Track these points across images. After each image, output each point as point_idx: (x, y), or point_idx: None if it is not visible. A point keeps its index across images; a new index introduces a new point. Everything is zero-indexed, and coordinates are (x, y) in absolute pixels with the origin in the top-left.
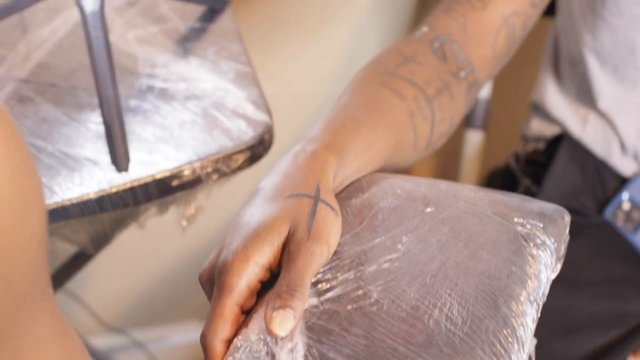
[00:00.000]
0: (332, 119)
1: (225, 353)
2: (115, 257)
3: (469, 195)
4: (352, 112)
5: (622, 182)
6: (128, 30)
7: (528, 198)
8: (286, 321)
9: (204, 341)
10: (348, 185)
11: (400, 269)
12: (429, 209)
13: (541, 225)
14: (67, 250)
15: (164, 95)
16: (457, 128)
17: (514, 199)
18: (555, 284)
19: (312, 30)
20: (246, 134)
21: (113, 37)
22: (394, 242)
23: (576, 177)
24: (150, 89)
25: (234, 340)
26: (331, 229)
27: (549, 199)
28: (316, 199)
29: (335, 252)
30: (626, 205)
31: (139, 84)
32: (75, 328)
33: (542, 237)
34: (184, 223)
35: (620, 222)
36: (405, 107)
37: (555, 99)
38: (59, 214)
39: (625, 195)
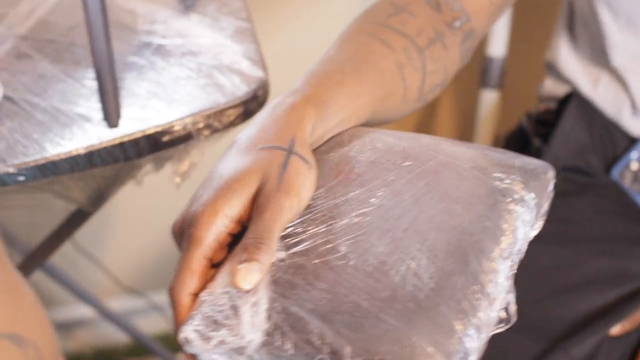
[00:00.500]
0: (316, 71)
1: (191, 306)
2: (127, 216)
3: (449, 149)
4: (337, 65)
5: (632, 142)
6: None
7: (513, 153)
8: (251, 274)
9: (171, 294)
10: (329, 139)
11: (372, 223)
12: (406, 163)
13: (521, 180)
14: (65, 207)
15: (161, 51)
16: (472, 87)
17: (496, 154)
18: (556, 241)
19: None
20: (240, 89)
21: None
22: (368, 196)
23: (584, 136)
24: (147, 45)
25: (201, 294)
26: (303, 182)
27: (556, 157)
28: (289, 151)
29: (308, 206)
30: (634, 165)
31: (137, 40)
32: (92, 290)
33: (521, 193)
34: (178, 179)
35: (627, 183)
36: (393, 58)
37: (568, 58)
38: (49, 170)
39: (634, 155)
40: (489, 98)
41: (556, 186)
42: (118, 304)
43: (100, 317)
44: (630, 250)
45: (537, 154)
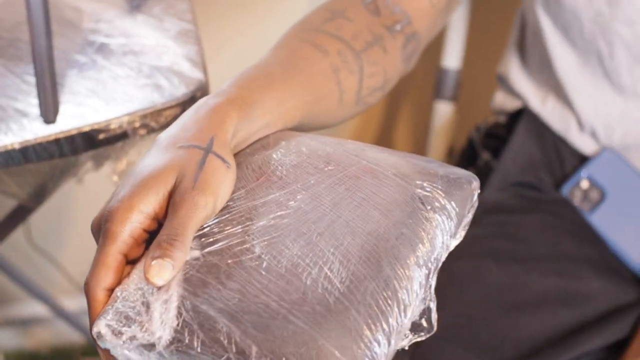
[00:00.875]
0: (244, 74)
1: (106, 302)
2: (79, 214)
3: (373, 155)
4: (266, 68)
5: (582, 160)
6: None
7: (439, 162)
8: (164, 271)
9: (86, 289)
10: (255, 142)
11: (288, 226)
12: (329, 167)
13: (443, 188)
14: (7, 203)
15: (103, 50)
16: (428, 99)
17: (421, 162)
18: (506, 259)
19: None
20: (178, 90)
21: None
22: (287, 199)
23: (534, 152)
24: (90, 43)
25: (115, 289)
26: (221, 181)
27: (506, 172)
28: (207, 150)
29: (227, 207)
30: (584, 184)
31: (80, 38)
32: (48, 288)
33: (442, 201)
34: (115, 178)
35: (577, 201)
36: (327, 62)
37: (519, 73)
38: None
39: (584, 174)
40: (443, 110)
41: (506, 201)
42: (74, 302)
43: (55, 315)
44: (579, 270)
45: (485, 168)
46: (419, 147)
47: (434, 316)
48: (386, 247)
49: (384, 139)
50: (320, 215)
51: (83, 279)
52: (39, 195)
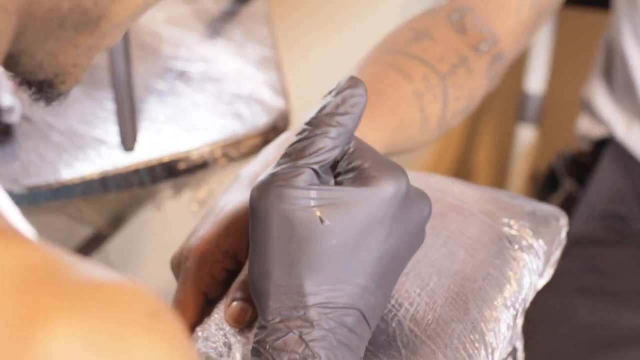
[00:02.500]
0: None
1: None
2: (154, 242)
3: (458, 191)
4: None
5: None
6: (158, 9)
7: (525, 198)
8: (243, 312)
9: None
10: None
11: None
12: None
13: (530, 226)
14: (82, 231)
15: (183, 76)
16: (510, 122)
17: (507, 198)
18: (594, 295)
19: (346, 22)
20: (259, 119)
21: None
22: None
23: (622, 182)
24: (169, 69)
25: (196, 329)
26: None
27: (593, 203)
28: None
29: None
30: None
31: (160, 64)
32: None
33: (529, 240)
34: (194, 206)
35: None
36: (411, 89)
37: (603, 97)
38: (62, 193)
39: None
40: (525, 134)
41: (593, 234)
42: None
43: None
44: None
45: (568, 196)
46: (500, 172)
47: (521, 356)
48: (473, 288)
49: (464, 163)
50: None
51: None
52: (116, 222)
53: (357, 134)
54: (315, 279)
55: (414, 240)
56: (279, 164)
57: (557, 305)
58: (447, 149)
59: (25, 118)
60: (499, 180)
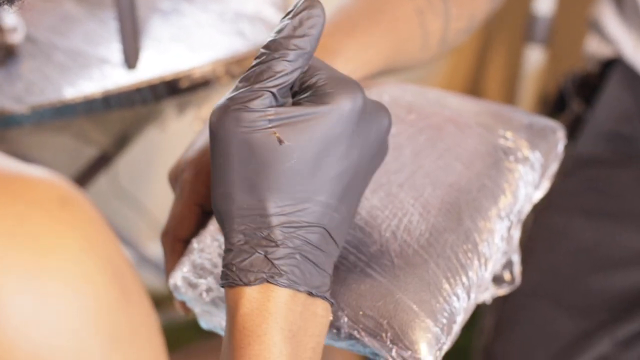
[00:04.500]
0: (328, 20)
1: (182, 252)
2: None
3: (455, 104)
4: (349, 15)
5: None
6: None
7: (523, 111)
8: None
9: (163, 240)
10: None
11: None
12: (410, 117)
13: (526, 138)
14: (88, 152)
15: None
16: (520, 42)
17: (505, 111)
18: (597, 215)
19: None
20: (262, 37)
21: None
22: None
23: (629, 102)
24: None
25: (192, 241)
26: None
27: (599, 123)
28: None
29: None
30: None
31: None
32: (132, 235)
33: (525, 152)
34: (198, 125)
35: None
36: (412, 5)
37: (612, 17)
38: (66, 112)
39: None
40: (534, 55)
41: (598, 154)
42: (159, 248)
43: (140, 261)
44: None
45: (576, 117)
46: (509, 93)
47: (517, 269)
48: (467, 199)
49: (474, 85)
50: (400, 166)
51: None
52: (122, 142)
53: (356, 49)
54: (277, 199)
55: (375, 153)
56: (237, 88)
57: (559, 224)
58: (457, 72)
59: (28, 38)
60: (509, 101)
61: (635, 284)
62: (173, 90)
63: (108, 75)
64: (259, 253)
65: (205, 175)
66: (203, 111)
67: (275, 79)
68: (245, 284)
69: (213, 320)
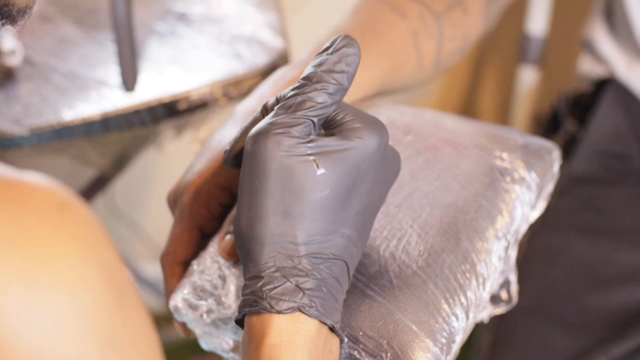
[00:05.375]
0: (323, 42)
1: (182, 275)
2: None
3: (452, 125)
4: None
5: None
6: None
7: (518, 132)
8: None
9: (163, 262)
10: None
11: None
12: (407, 138)
13: (522, 159)
14: (86, 173)
15: (183, 18)
16: (512, 63)
17: (500, 132)
18: (593, 233)
19: None
20: (259, 59)
21: None
22: None
23: (622, 122)
24: (170, 11)
25: (192, 263)
26: None
27: (593, 143)
28: None
29: None
30: None
31: (160, 6)
32: (129, 255)
33: (521, 172)
34: (196, 147)
35: None
36: (406, 27)
37: (604, 37)
38: (64, 134)
39: None
40: (527, 75)
41: (593, 173)
42: (155, 269)
43: (136, 281)
44: None
45: (569, 136)
46: (503, 113)
47: (514, 288)
48: (465, 220)
49: (467, 105)
50: (398, 187)
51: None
52: (120, 163)
53: None
54: (308, 228)
55: (386, 193)
56: (277, 114)
57: (555, 242)
58: (451, 92)
59: (27, 60)
60: (502, 122)
61: (631, 301)
62: (171, 112)
63: (106, 97)
64: (290, 282)
65: (205, 197)
66: (201, 133)
67: (317, 109)
68: (278, 312)
69: (214, 341)
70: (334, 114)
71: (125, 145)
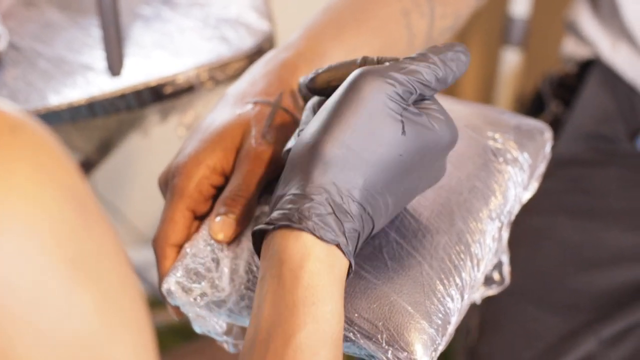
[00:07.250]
0: (313, 23)
1: (175, 258)
2: (144, 167)
3: (444, 106)
4: (335, 16)
5: None
6: None
7: (510, 113)
8: (227, 227)
9: (155, 246)
10: None
11: None
12: None
13: (515, 140)
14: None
15: (168, 2)
16: (496, 45)
17: (493, 113)
18: (581, 215)
19: None
20: (245, 42)
21: None
22: None
23: (607, 103)
24: None
25: (184, 246)
26: (288, 136)
27: (579, 124)
28: (275, 105)
29: None
30: None
31: None
32: None
33: (514, 153)
34: (181, 130)
35: None
36: (398, 6)
37: (588, 18)
38: (51, 119)
39: None
40: (510, 57)
41: (579, 154)
42: (138, 255)
43: None
44: None
45: (554, 118)
46: (486, 95)
47: (507, 269)
48: (458, 201)
49: (451, 87)
50: None
51: (148, 232)
52: (105, 148)
53: (343, 52)
54: (370, 178)
55: (419, 193)
56: (392, 67)
57: (542, 224)
58: None
59: (12, 46)
60: (486, 103)
61: (619, 282)
62: (157, 96)
63: (92, 82)
64: (337, 217)
65: (197, 179)
66: (186, 117)
67: (423, 84)
68: (319, 238)
69: (207, 324)
70: (423, 100)
71: (110, 131)
